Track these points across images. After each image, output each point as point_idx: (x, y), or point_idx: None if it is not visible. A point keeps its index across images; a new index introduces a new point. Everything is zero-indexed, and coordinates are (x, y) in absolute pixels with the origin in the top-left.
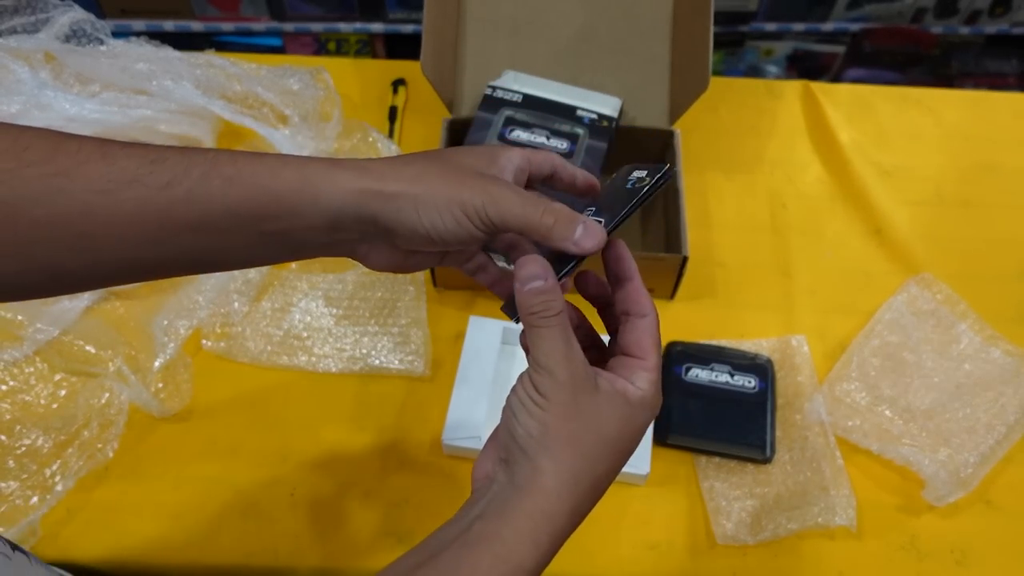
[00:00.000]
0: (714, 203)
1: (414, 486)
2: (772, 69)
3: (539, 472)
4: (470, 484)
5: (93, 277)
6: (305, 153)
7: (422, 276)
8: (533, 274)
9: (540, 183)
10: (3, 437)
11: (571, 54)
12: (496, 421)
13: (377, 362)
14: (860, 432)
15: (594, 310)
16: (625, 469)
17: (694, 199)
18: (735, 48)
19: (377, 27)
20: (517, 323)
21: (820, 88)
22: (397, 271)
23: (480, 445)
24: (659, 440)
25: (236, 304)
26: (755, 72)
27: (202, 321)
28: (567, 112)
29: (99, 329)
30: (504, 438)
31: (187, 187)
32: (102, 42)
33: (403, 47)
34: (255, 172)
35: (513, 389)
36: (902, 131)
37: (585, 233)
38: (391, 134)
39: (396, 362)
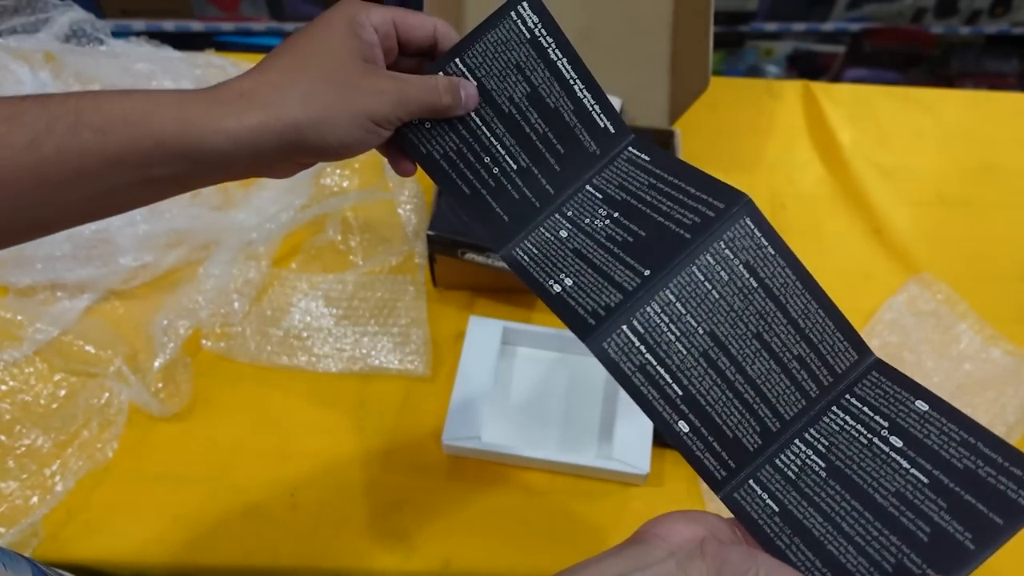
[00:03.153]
0: None
1: (414, 486)
2: (772, 69)
3: None
4: (644, 530)
5: None
6: None
7: (422, 276)
8: None
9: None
10: (3, 437)
11: None
12: (496, 421)
13: (377, 362)
14: None
15: None
16: (625, 469)
17: None
18: (735, 48)
19: None
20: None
21: (820, 88)
22: (296, 173)
23: (480, 445)
24: (659, 440)
25: (236, 304)
26: (755, 72)
27: (202, 321)
28: None
29: (99, 329)
30: (736, 567)
31: (55, 144)
32: (102, 42)
33: None
34: (127, 119)
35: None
36: (902, 131)
37: (468, 95)
38: None
39: (396, 362)
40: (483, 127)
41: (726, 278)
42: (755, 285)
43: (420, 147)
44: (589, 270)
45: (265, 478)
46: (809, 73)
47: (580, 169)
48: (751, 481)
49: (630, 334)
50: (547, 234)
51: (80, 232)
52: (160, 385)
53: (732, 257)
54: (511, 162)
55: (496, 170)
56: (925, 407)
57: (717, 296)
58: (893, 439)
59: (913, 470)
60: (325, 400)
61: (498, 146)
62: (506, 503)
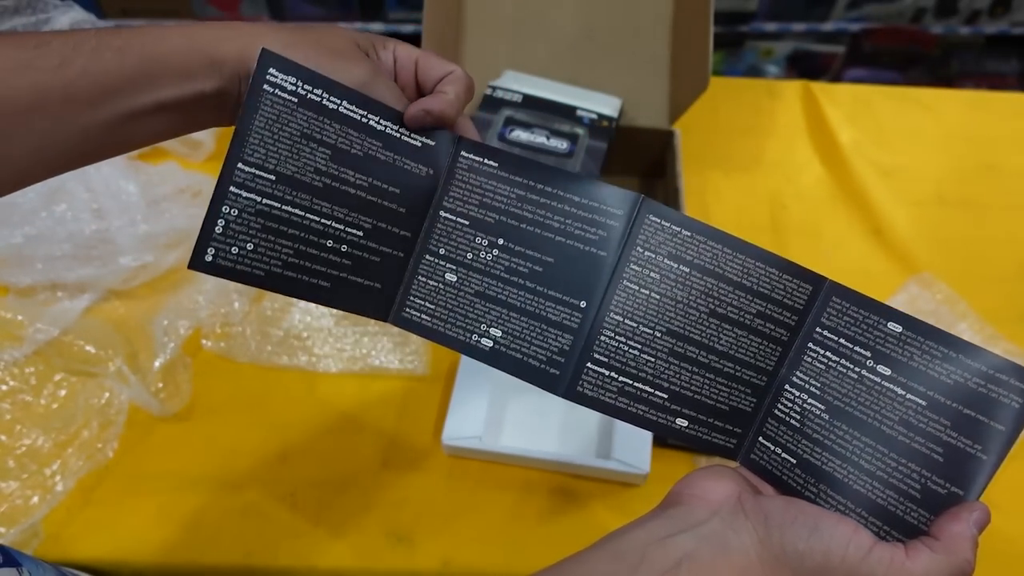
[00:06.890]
0: (714, 203)
1: (414, 486)
2: (772, 69)
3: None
4: (673, 490)
5: (6, 178)
6: None
7: None
8: (985, 521)
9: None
10: (3, 437)
11: (571, 54)
12: (496, 421)
13: (377, 362)
14: None
15: None
16: (625, 468)
17: (694, 199)
18: (735, 48)
19: (377, 27)
20: None
21: (820, 88)
22: None
23: (480, 445)
24: (659, 440)
25: (236, 304)
26: (755, 72)
27: (202, 321)
28: (567, 112)
29: (99, 329)
30: (780, 517)
31: (81, 64)
32: None
33: None
34: (143, 41)
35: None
36: (902, 131)
37: (433, 112)
38: None
39: (396, 362)
40: (308, 215)
41: (658, 277)
42: (687, 271)
43: (256, 272)
44: (514, 315)
45: (265, 478)
46: (809, 73)
47: (423, 198)
48: (760, 438)
49: (598, 368)
50: (431, 282)
51: (80, 232)
52: (160, 385)
53: (655, 256)
54: (354, 231)
55: (344, 247)
56: (899, 328)
57: (658, 297)
58: (880, 368)
59: (909, 395)
60: (325, 400)
61: (333, 224)
62: (506, 503)
